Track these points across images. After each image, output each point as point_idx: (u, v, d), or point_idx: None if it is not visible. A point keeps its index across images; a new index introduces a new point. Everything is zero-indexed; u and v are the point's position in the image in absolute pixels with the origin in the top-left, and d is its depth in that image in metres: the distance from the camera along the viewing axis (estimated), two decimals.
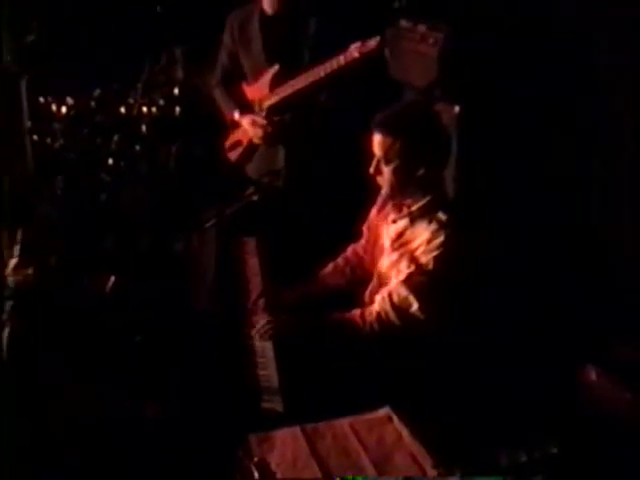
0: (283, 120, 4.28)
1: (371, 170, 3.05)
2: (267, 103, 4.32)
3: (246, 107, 4.45)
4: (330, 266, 3.53)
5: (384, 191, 3.09)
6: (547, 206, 4.01)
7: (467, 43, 4.05)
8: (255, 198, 3.43)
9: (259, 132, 4.35)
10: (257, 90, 4.39)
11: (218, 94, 4.63)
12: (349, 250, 3.55)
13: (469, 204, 3.41)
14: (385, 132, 2.98)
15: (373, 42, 3.85)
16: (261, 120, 4.33)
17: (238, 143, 4.58)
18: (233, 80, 4.52)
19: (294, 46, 4.18)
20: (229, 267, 3.57)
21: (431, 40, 4.09)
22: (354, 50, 3.87)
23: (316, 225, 4.19)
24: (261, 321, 3.11)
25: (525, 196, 4.02)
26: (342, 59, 3.90)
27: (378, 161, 3.02)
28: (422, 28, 4.18)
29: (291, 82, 4.18)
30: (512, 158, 4.03)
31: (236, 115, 4.48)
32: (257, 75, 4.39)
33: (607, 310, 3.69)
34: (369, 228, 3.41)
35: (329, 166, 4.26)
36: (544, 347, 3.58)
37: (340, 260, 3.53)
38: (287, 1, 4.21)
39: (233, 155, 4.62)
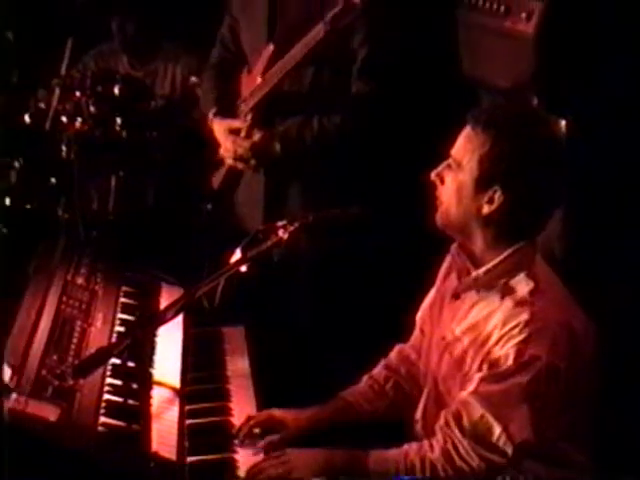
0: (270, 132, 3.24)
1: (433, 174, 2.44)
2: (251, 102, 3.31)
3: (232, 107, 3.43)
4: (363, 381, 2.70)
5: (438, 218, 2.41)
6: None
7: (581, 16, 3.00)
8: (244, 269, 2.45)
9: (233, 148, 3.31)
10: (250, 82, 3.36)
11: (205, 79, 3.59)
12: (394, 355, 2.73)
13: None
14: (479, 126, 2.35)
15: None
16: (237, 127, 3.28)
17: (220, 162, 3.52)
18: (235, 67, 3.50)
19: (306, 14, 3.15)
20: (200, 375, 2.75)
21: (523, 13, 3.13)
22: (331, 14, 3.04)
23: (342, 310, 3.26)
24: (264, 463, 2.35)
25: None
26: (321, 28, 3.05)
27: (448, 165, 2.39)
28: None
29: (276, 67, 3.21)
30: None
31: (210, 116, 3.43)
32: (256, 59, 3.35)
33: None
34: (423, 318, 2.64)
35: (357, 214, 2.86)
36: None
37: (378, 372, 2.71)
38: None
39: (216, 180, 3.56)
